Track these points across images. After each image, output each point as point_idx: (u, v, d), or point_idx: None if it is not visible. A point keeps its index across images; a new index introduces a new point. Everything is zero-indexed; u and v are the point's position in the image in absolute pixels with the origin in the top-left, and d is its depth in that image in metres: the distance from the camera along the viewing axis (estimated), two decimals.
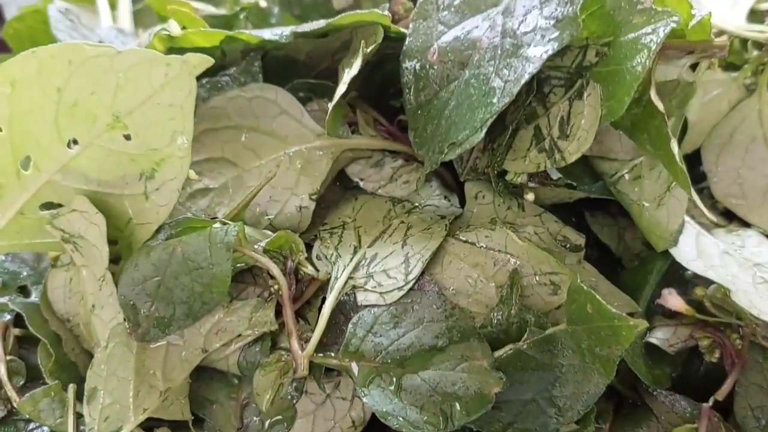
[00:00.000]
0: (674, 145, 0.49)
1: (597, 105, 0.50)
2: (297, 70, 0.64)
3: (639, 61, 0.47)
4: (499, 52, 0.50)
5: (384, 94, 0.68)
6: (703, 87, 0.69)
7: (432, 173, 0.65)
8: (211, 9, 0.68)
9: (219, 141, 0.62)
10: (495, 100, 0.49)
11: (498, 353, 0.54)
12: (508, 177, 0.56)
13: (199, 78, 0.62)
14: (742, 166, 0.71)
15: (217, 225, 0.55)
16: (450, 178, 0.65)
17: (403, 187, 0.63)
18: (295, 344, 0.53)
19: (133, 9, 0.83)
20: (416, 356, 0.53)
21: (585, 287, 0.50)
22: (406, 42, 0.56)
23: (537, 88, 0.54)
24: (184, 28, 0.63)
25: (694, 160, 0.73)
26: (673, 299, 0.59)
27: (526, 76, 0.48)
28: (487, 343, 0.54)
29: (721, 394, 0.56)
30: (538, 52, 0.48)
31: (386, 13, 0.56)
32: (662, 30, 0.46)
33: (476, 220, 0.60)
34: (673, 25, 0.46)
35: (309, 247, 0.60)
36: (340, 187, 0.66)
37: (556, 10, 0.49)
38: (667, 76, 0.54)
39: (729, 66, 0.72)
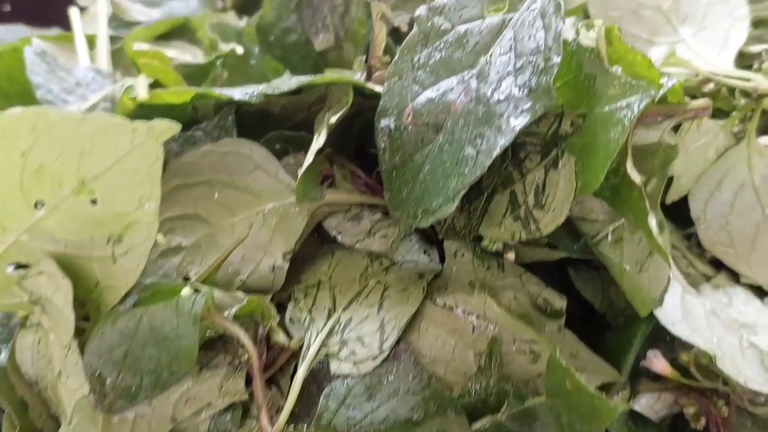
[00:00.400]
0: (652, 219, 0.47)
1: (571, 177, 0.48)
2: (272, 122, 0.62)
3: (613, 135, 0.45)
4: (472, 118, 0.49)
5: (363, 144, 0.66)
6: (689, 135, 0.68)
7: None
8: (186, 57, 0.67)
9: (191, 197, 0.60)
10: (467, 171, 0.48)
11: (476, 426, 0.52)
12: (483, 243, 0.54)
13: None
14: (731, 213, 0.70)
15: (186, 291, 0.53)
16: (431, 231, 0.64)
17: (381, 241, 0.61)
18: (264, 419, 0.51)
19: (111, 48, 0.81)
20: (391, 430, 0.51)
21: (563, 363, 0.48)
22: (381, 101, 0.54)
23: (512, 153, 0.52)
24: (155, 81, 0.61)
25: (682, 206, 0.71)
26: (658, 362, 0.57)
27: (498, 149, 0.46)
28: (464, 414, 0.53)
29: None
30: (511, 124, 0.46)
31: (358, 75, 0.54)
32: (637, 105, 0.44)
33: (455, 279, 0.58)
34: (648, 99, 0.44)
35: (283, 307, 0.59)
36: (318, 240, 0.65)
37: (530, 79, 0.47)
38: (648, 139, 0.52)
39: (717, 111, 0.70)
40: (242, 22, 0.81)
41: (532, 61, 0.47)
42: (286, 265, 0.59)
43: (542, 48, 0.47)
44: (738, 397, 0.56)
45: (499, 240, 0.53)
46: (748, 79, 0.66)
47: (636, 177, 0.47)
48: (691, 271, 0.69)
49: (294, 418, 0.54)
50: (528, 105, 0.46)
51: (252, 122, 0.61)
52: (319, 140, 0.53)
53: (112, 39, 0.84)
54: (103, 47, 0.80)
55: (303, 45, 0.77)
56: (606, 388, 0.57)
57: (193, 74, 0.65)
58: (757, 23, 0.79)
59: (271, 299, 0.59)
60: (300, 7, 0.76)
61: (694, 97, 0.69)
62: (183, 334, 0.51)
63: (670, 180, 0.69)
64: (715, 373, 0.56)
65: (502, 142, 0.46)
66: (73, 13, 0.83)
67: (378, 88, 0.56)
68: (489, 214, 0.54)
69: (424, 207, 0.51)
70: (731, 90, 0.68)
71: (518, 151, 0.52)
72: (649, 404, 0.57)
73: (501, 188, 0.53)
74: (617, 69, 0.49)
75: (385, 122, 0.54)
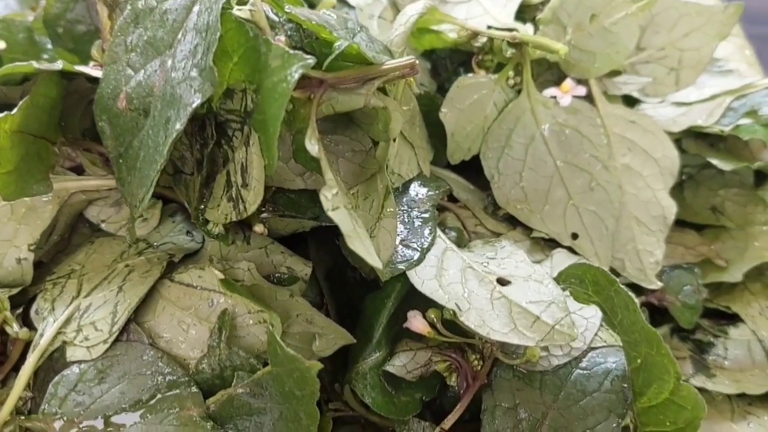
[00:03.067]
0: (326, 191, 0.45)
1: (260, 154, 0.47)
2: None
3: (276, 110, 0.43)
4: (165, 102, 0.47)
5: None
6: (462, 91, 0.67)
7: (179, 208, 0.62)
8: None
9: None
10: (158, 157, 0.46)
11: (211, 401, 0.52)
12: (208, 227, 0.53)
13: None
14: (524, 169, 0.69)
15: None
16: None
17: (142, 225, 0.60)
18: None
19: None
20: (121, 412, 0.50)
21: (271, 329, 0.47)
22: (98, 88, 0.53)
23: (221, 131, 0.51)
24: None
25: (476, 166, 0.70)
26: (416, 322, 0.56)
27: (174, 134, 0.44)
28: (199, 391, 0.52)
29: (448, 423, 0.54)
30: (185, 105, 0.45)
31: (57, 63, 0.53)
32: (293, 76, 0.43)
33: (204, 257, 0.57)
34: (302, 70, 0.42)
35: None
36: (90, 230, 0.64)
37: (201, 58, 0.45)
38: (353, 105, 0.51)
39: (499, 66, 0.69)
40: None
41: (204, 38, 0.45)
42: (32, 257, 0.57)
43: (210, 24, 0.45)
44: (492, 351, 0.55)
45: (218, 222, 0.52)
46: (510, 29, 0.65)
47: (313, 149, 0.45)
48: (479, 230, 0.68)
49: (37, 408, 0.53)
50: (199, 85, 0.45)
51: None
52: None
53: None
54: None
55: (94, 34, 0.76)
56: (361, 351, 0.56)
57: None
58: None
59: (27, 293, 0.58)
60: None
61: (469, 53, 0.69)
62: None
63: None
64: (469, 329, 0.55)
65: (178, 126, 0.44)
66: None
67: (92, 72, 0.54)
68: (213, 196, 0.52)
69: (141, 195, 0.50)
70: (503, 43, 0.67)
71: (225, 128, 0.51)
72: (402, 364, 0.56)
73: (222, 168, 0.52)
74: (280, 39, 0.48)
75: (104, 109, 0.53)
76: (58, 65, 0.54)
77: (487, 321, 0.54)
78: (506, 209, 0.69)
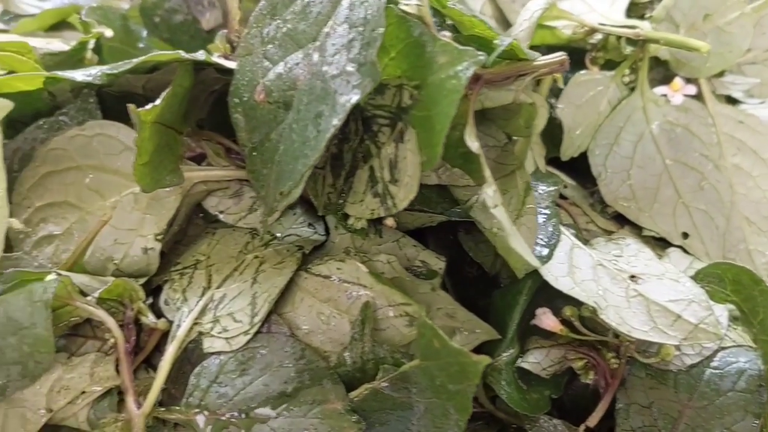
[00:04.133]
0: (488, 188, 0.45)
1: (416, 151, 0.46)
2: (138, 103, 0.60)
3: (446, 107, 0.42)
4: (313, 96, 0.46)
5: None
6: (578, 88, 0.66)
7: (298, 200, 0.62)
8: (54, 46, 0.64)
9: (62, 184, 0.58)
10: (309, 152, 0.45)
11: (353, 394, 0.51)
12: (349, 222, 0.52)
13: (36, 119, 0.59)
14: (632, 167, 0.69)
15: (50, 278, 0.52)
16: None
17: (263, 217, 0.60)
18: (131, 402, 0.50)
19: None
20: (264, 404, 0.50)
21: (430, 322, 0.46)
22: (233, 80, 0.52)
23: (365, 126, 0.50)
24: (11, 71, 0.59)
25: (586, 162, 0.70)
26: (547, 319, 0.56)
27: (332, 129, 0.43)
28: (342, 384, 0.51)
29: (592, 420, 0.53)
30: (342, 101, 0.43)
31: (199, 53, 0.52)
32: (464, 73, 0.42)
33: (336, 249, 0.57)
34: (474, 67, 0.42)
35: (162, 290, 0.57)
36: (204, 221, 0.63)
37: (359, 53, 0.44)
38: (503, 100, 0.51)
39: (609, 63, 0.69)
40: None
41: (361, 33, 0.44)
42: (159, 246, 0.57)
43: (369, 18, 0.44)
44: (627, 349, 0.55)
45: (362, 216, 0.51)
46: (632, 27, 0.65)
47: (473, 146, 0.45)
48: (591, 227, 0.67)
49: (172, 400, 0.53)
50: (358, 80, 0.43)
51: (117, 104, 0.59)
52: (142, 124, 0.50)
53: (4, 33, 0.81)
54: None
55: (190, 24, 0.75)
56: (494, 347, 0.55)
57: (57, 63, 0.63)
58: None
59: (150, 283, 0.58)
60: None
61: (583, 50, 0.68)
62: (37, 321, 0.49)
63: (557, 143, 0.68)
64: (605, 326, 0.55)
65: (335, 121, 0.43)
66: None
67: (227, 64, 0.54)
68: (353, 191, 0.51)
69: (280, 189, 0.49)
70: (619, 39, 0.66)
71: (371, 123, 0.50)
72: (537, 361, 0.55)
73: (362, 163, 0.51)
74: (445, 34, 0.47)
75: (239, 102, 0.52)
76: (201, 55, 0.53)
77: (626, 319, 0.53)
78: (614, 207, 0.68)
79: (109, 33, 0.66)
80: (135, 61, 0.53)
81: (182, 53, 0.52)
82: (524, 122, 0.53)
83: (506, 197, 0.55)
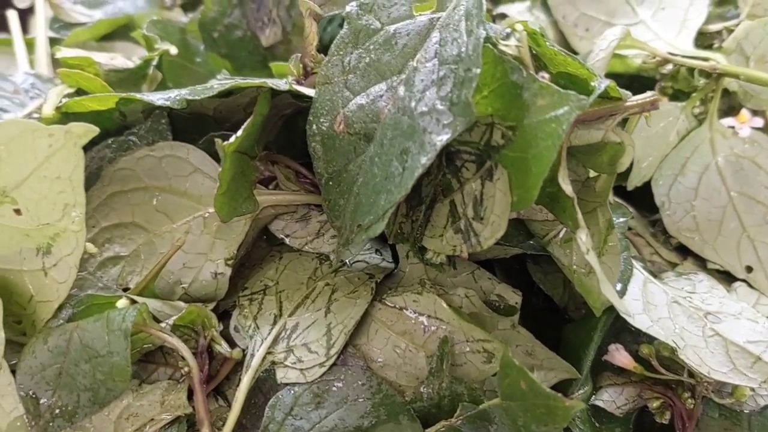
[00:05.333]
0: (581, 233, 0.44)
1: (507, 191, 0.45)
2: (208, 125, 0.59)
3: (544, 150, 0.41)
4: (398, 131, 0.45)
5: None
6: (650, 118, 0.65)
7: None
8: (118, 62, 0.63)
9: (129, 204, 0.57)
10: (393, 188, 0.44)
11: (429, 431, 0.50)
12: (427, 256, 0.51)
13: (105, 138, 0.58)
14: (696, 198, 0.68)
15: (121, 303, 0.51)
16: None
17: (330, 242, 0.59)
18: None
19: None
20: None
21: (517, 363, 0.46)
22: (312, 108, 0.51)
23: (448, 160, 0.49)
24: (79, 89, 0.58)
25: (647, 191, 0.69)
26: (620, 356, 0.55)
27: (420, 168, 0.42)
28: (417, 420, 0.50)
29: None
30: (432, 140, 0.42)
31: (282, 82, 0.51)
32: (567, 117, 0.41)
33: (408, 279, 0.56)
34: (579, 111, 0.41)
35: (230, 315, 0.56)
36: (267, 244, 0.62)
37: (451, 91, 0.42)
38: (592, 139, 0.49)
39: (677, 93, 0.68)
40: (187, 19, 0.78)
41: (454, 71, 0.43)
42: (229, 271, 0.56)
43: (464, 56, 0.43)
44: (704, 389, 0.54)
45: (442, 252, 0.50)
46: (706, 59, 0.64)
47: (567, 189, 0.44)
48: (655, 258, 0.67)
49: (243, 430, 0.52)
50: (449, 120, 0.42)
51: (187, 125, 0.59)
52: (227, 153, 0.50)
53: (55, 42, 0.81)
54: (43, 51, 0.77)
55: (249, 41, 0.75)
56: (567, 384, 0.54)
57: (121, 80, 0.62)
58: (719, 1, 0.77)
59: (217, 308, 0.57)
60: (244, 1, 0.73)
61: (653, 79, 0.67)
62: (115, 350, 0.48)
63: (631, 165, 0.67)
64: (679, 364, 0.54)
65: (424, 160, 0.42)
66: (12, 16, 0.79)
67: (306, 91, 0.53)
68: (432, 224, 0.50)
69: (358, 222, 0.48)
70: (690, 71, 0.66)
71: (454, 158, 0.49)
72: (612, 399, 0.55)
73: (442, 196, 0.50)
74: (544, 76, 0.46)
75: (317, 131, 0.52)
76: (284, 84, 0.52)
77: (705, 359, 0.52)
78: (677, 238, 0.68)
79: (173, 51, 0.65)
80: (217, 87, 0.53)
81: (268, 81, 0.52)
82: (609, 160, 0.51)
83: None
